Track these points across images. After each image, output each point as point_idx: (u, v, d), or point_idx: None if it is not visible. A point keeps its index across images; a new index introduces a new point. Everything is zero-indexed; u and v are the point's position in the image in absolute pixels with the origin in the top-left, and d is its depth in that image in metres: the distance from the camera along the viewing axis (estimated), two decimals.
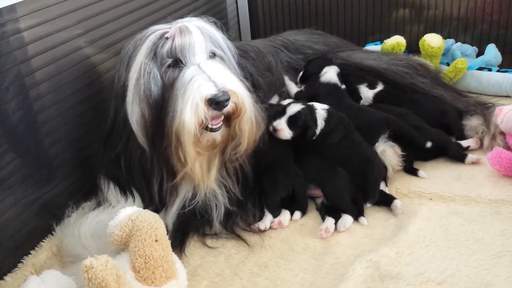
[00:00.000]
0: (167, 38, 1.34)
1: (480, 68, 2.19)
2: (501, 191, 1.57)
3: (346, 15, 2.52)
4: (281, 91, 1.97)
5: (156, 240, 1.12)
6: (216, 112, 1.30)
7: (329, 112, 1.65)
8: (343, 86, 1.90)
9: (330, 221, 1.48)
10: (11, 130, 1.37)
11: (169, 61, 1.34)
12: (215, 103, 1.28)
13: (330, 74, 1.89)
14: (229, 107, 1.31)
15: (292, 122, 1.61)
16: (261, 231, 1.48)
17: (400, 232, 1.43)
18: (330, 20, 2.55)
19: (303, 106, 1.64)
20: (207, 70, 1.31)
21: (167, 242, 1.16)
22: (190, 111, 1.27)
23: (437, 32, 2.28)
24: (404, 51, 2.27)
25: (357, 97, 1.99)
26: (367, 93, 1.98)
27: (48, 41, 1.47)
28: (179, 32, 1.34)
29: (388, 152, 1.65)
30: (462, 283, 1.23)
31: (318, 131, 1.62)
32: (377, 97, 1.97)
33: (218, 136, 1.36)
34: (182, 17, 1.44)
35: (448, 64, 2.22)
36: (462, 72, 2.16)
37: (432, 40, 2.20)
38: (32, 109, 1.44)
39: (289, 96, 1.95)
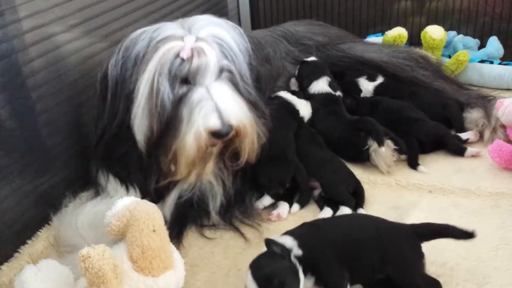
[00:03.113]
0: (182, 59, 1.32)
1: (482, 61, 2.18)
2: (501, 184, 1.56)
3: (348, 6, 2.50)
4: (276, 85, 1.95)
5: (154, 230, 1.11)
6: (217, 140, 1.34)
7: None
8: (338, 93, 1.87)
9: (327, 211, 1.47)
10: (8, 119, 1.36)
11: (180, 79, 1.34)
12: (218, 135, 1.31)
13: (319, 86, 1.86)
14: (230, 135, 1.34)
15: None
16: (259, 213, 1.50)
17: None
18: (331, 11, 2.53)
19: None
20: (215, 95, 1.32)
21: (165, 233, 1.15)
22: (192, 138, 1.30)
23: (439, 24, 2.27)
24: (405, 43, 2.25)
25: (357, 90, 1.98)
26: (367, 86, 1.97)
27: (46, 30, 1.46)
28: (195, 53, 1.32)
29: (381, 148, 1.63)
30: (461, 275, 1.23)
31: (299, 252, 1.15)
32: (377, 89, 1.97)
33: (215, 149, 1.39)
34: (182, 6, 1.42)
35: (449, 57, 2.21)
36: (464, 65, 2.15)
37: (434, 32, 2.19)
38: (30, 98, 1.43)
39: (286, 88, 1.94)
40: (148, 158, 1.39)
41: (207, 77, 1.33)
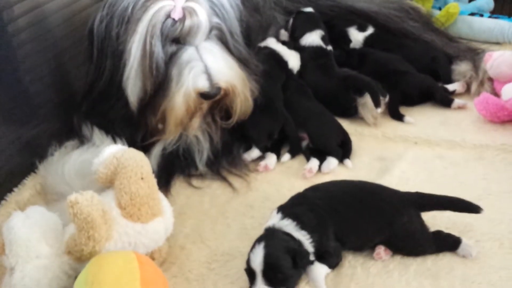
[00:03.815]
0: (174, 20, 1.30)
1: (472, 14, 2.16)
2: (486, 136, 1.58)
3: None
4: (266, 36, 1.91)
5: (141, 178, 1.11)
6: (206, 101, 1.35)
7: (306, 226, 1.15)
8: (330, 48, 1.84)
9: (314, 162, 1.48)
10: None
11: (171, 39, 1.33)
12: (207, 96, 1.33)
13: (311, 38, 1.82)
14: (218, 96, 1.35)
15: (273, 276, 1.06)
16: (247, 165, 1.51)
17: (384, 175, 1.45)
18: None
19: (264, 243, 1.08)
20: (204, 55, 1.32)
21: (153, 180, 1.15)
22: (181, 99, 1.31)
23: None
24: None
25: (347, 40, 1.95)
26: (357, 36, 1.94)
27: None
28: (186, 14, 1.30)
29: (368, 101, 1.64)
30: (443, 224, 1.25)
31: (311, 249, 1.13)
32: (367, 40, 1.94)
33: (204, 105, 1.39)
34: None
35: (440, 9, 2.18)
36: (454, 17, 2.13)
37: None
38: (11, 44, 1.39)
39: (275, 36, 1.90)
40: (137, 117, 1.39)
41: (197, 37, 1.33)
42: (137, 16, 1.31)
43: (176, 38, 1.33)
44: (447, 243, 1.19)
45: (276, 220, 1.15)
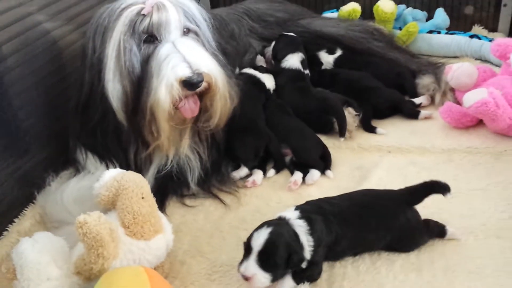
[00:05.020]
0: (144, 15, 1.36)
1: (430, 31, 2.32)
2: (453, 141, 1.71)
3: None
4: (243, 61, 2.01)
5: (142, 197, 1.18)
6: (190, 92, 1.36)
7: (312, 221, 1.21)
8: (307, 72, 1.95)
9: (298, 174, 1.58)
10: None
11: (145, 36, 1.38)
12: (189, 84, 1.33)
13: (292, 61, 1.92)
14: (202, 87, 1.37)
15: (266, 259, 1.13)
16: (235, 182, 1.58)
17: (363, 182, 1.55)
18: None
19: (272, 229, 1.15)
20: (182, 48, 1.35)
21: (153, 199, 1.21)
22: (164, 91, 1.32)
23: None
24: (359, 17, 2.37)
25: (318, 63, 2.07)
26: (327, 58, 2.07)
27: (17, 12, 1.47)
28: (155, 8, 1.36)
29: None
30: None
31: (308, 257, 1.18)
32: (337, 62, 2.07)
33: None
34: None
35: (400, 29, 2.34)
36: (414, 36, 2.29)
37: (385, 6, 2.30)
38: (2, 82, 1.44)
39: (251, 65, 2.00)
40: (127, 128, 1.41)
41: (171, 33, 1.37)
42: (112, 25, 1.37)
43: (150, 34, 1.36)
44: (436, 231, 1.30)
45: (292, 216, 1.21)
